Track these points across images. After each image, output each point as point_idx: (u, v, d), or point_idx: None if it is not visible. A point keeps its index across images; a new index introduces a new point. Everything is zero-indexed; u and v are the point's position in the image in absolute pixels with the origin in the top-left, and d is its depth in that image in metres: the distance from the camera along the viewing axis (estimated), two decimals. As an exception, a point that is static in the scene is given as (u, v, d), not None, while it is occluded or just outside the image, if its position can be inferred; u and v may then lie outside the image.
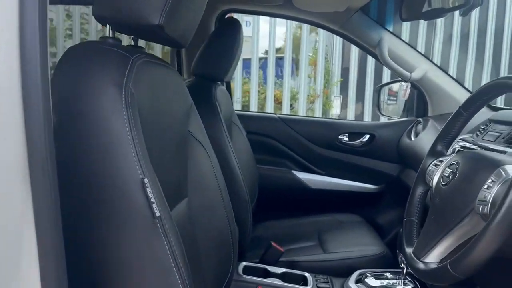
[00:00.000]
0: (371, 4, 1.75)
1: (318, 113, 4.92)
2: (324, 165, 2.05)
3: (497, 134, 1.17)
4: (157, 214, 0.60)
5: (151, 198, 0.59)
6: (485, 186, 0.70)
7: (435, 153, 0.97)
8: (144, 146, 0.63)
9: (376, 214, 2.03)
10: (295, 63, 5.14)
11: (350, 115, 4.92)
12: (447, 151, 0.97)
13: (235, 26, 1.60)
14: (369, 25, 1.80)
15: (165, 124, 0.81)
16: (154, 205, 0.59)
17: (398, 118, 2.12)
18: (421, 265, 0.78)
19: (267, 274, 1.32)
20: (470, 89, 1.86)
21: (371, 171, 2.02)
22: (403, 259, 1.20)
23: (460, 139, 1.38)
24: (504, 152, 1.04)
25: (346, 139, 2.04)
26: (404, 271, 1.24)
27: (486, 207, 0.67)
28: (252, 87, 4.90)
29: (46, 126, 0.52)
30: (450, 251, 0.76)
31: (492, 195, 0.66)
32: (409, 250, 0.87)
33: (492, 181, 0.69)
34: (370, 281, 1.28)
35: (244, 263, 1.35)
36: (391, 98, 2.57)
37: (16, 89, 0.50)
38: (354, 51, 4.83)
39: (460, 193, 0.75)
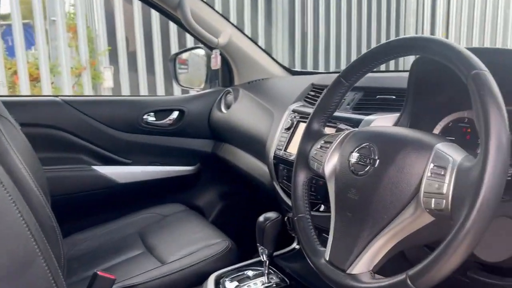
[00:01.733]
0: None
1: (87, 88, 4.30)
2: (129, 152, 1.72)
3: (340, 101, 1.11)
4: None
5: None
6: (429, 174, 0.58)
7: (312, 133, 0.82)
8: None
9: (195, 197, 1.85)
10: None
11: (125, 87, 4.50)
12: (324, 129, 0.83)
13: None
14: (166, -17, 1.52)
15: None
16: None
17: (200, 90, 1.94)
18: (354, 283, 0.62)
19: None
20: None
21: (184, 151, 1.80)
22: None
23: (292, 111, 1.30)
24: (361, 120, 0.99)
25: (152, 118, 1.75)
26: (267, 264, 1.10)
27: (443, 201, 0.55)
28: (-4, 61, 3.88)
29: None
30: (383, 255, 0.64)
31: (451, 187, 0.55)
32: (319, 260, 0.70)
33: (438, 166, 0.58)
34: (232, 285, 1.10)
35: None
36: (182, 67, 2.38)
37: None
38: (119, 14, 4.36)
39: (390, 183, 0.62)
